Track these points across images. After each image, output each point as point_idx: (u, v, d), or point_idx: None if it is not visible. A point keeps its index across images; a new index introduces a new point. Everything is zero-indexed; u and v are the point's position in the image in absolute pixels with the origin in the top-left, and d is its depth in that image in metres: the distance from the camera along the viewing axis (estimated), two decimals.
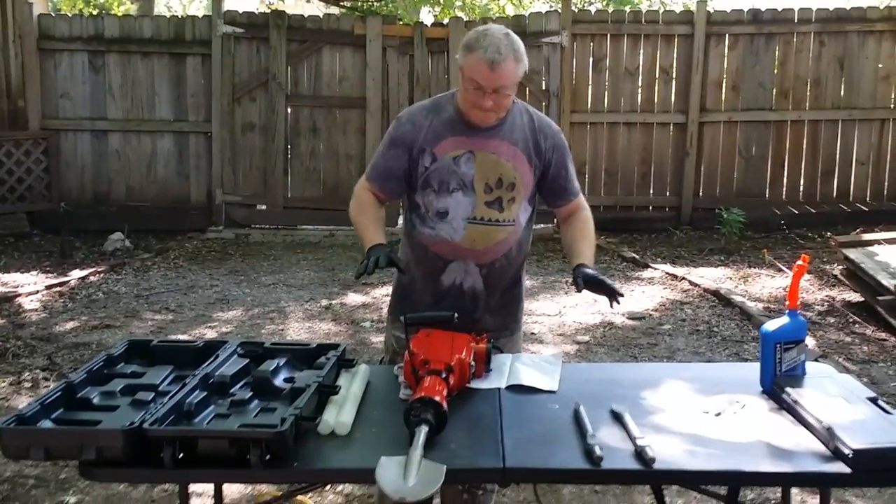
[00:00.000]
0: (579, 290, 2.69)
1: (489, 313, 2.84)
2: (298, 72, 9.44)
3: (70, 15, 10.80)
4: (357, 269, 2.63)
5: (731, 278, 7.39)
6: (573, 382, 2.55)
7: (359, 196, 2.88)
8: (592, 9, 9.50)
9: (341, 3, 13.38)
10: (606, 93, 9.54)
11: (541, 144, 2.78)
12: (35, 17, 9.24)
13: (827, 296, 6.72)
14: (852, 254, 6.54)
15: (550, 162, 2.80)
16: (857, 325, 5.97)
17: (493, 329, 2.81)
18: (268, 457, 1.99)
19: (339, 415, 2.24)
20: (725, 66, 9.46)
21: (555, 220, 3.00)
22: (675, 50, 9.44)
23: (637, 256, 8.19)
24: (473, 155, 2.72)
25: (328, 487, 3.72)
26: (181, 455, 2.01)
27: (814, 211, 9.45)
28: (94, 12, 14.57)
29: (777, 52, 9.46)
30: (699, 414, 2.32)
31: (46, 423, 2.14)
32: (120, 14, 14.62)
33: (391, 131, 2.83)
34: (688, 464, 2.06)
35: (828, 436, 2.10)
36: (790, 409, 2.30)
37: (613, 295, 2.70)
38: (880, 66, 9.40)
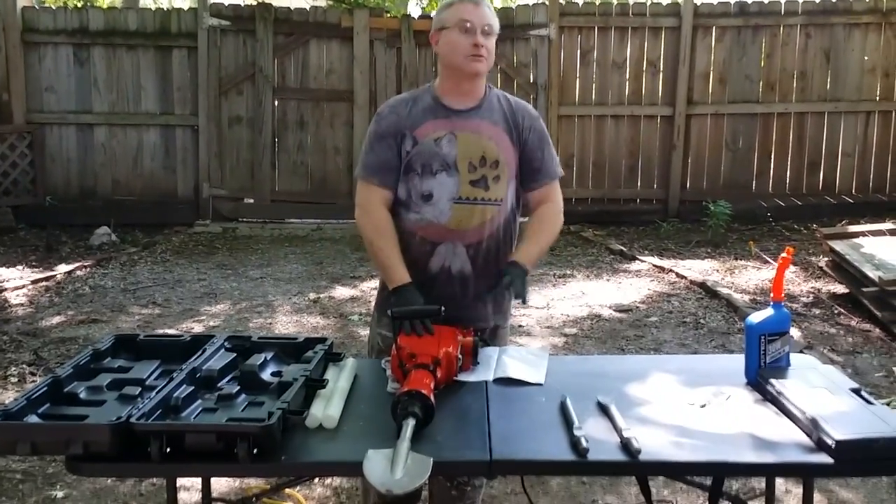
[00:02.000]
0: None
1: (479, 300, 2.82)
2: (285, 65, 9.42)
3: (54, 8, 10.75)
4: (397, 314, 2.52)
5: (717, 270, 7.42)
6: (560, 375, 2.57)
7: (367, 207, 2.79)
8: (580, 1, 9.47)
9: None
10: (594, 85, 9.55)
11: (520, 123, 2.81)
12: (19, 9, 9.16)
13: (812, 287, 6.76)
14: (838, 245, 6.58)
15: (526, 142, 2.81)
16: (842, 317, 6.01)
17: (482, 319, 2.82)
18: (255, 450, 2.00)
19: (326, 408, 2.24)
20: (712, 58, 9.48)
21: None
22: (663, 42, 9.46)
23: (624, 249, 8.21)
24: (455, 136, 2.74)
25: (316, 480, 3.73)
26: (168, 449, 2.01)
27: (800, 203, 9.49)
28: (79, 5, 14.47)
29: (764, 45, 9.49)
30: (684, 405, 2.34)
31: (33, 418, 2.14)
32: (105, 6, 14.52)
33: (374, 127, 2.82)
34: (673, 455, 2.08)
35: (811, 427, 2.12)
36: (774, 401, 2.32)
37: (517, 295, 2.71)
38: (866, 58, 9.45)
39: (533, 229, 2.85)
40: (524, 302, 2.73)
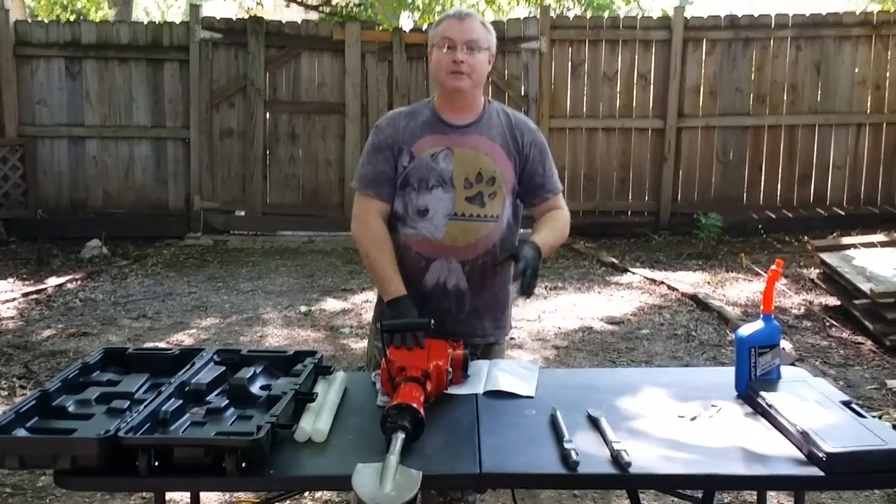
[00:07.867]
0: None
1: (475, 316, 2.81)
2: (277, 77, 9.42)
3: (47, 21, 10.73)
4: (387, 327, 2.50)
5: (708, 282, 7.43)
6: (550, 388, 2.56)
7: (364, 219, 2.79)
8: (570, 14, 9.53)
9: (320, 9, 13.35)
10: (585, 98, 9.57)
11: (518, 140, 2.80)
12: (11, 23, 9.17)
13: (804, 300, 6.77)
14: (829, 258, 6.59)
15: (528, 157, 2.81)
16: (833, 329, 6.02)
17: (480, 335, 2.82)
18: (244, 464, 1.99)
19: (315, 422, 2.23)
20: (703, 71, 9.52)
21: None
22: (653, 55, 9.49)
23: (616, 261, 8.22)
24: (451, 151, 2.74)
25: (305, 494, 3.71)
26: (157, 463, 2.00)
27: (791, 215, 9.51)
28: (71, 18, 14.47)
29: (754, 58, 9.53)
30: (675, 418, 2.34)
31: (21, 432, 2.13)
32: (97, 20, 14.53)
33: (372, 139, 2.82)
34: (664, 468, 2.07)
35: (802, 440, 2.12)
36: (765, 414, 2.32)
37: (524, 290, 2.58)
38: (856, 70, 9.49)
39: (545, 223, 2.84)
40: (527, 297, 2.62)
